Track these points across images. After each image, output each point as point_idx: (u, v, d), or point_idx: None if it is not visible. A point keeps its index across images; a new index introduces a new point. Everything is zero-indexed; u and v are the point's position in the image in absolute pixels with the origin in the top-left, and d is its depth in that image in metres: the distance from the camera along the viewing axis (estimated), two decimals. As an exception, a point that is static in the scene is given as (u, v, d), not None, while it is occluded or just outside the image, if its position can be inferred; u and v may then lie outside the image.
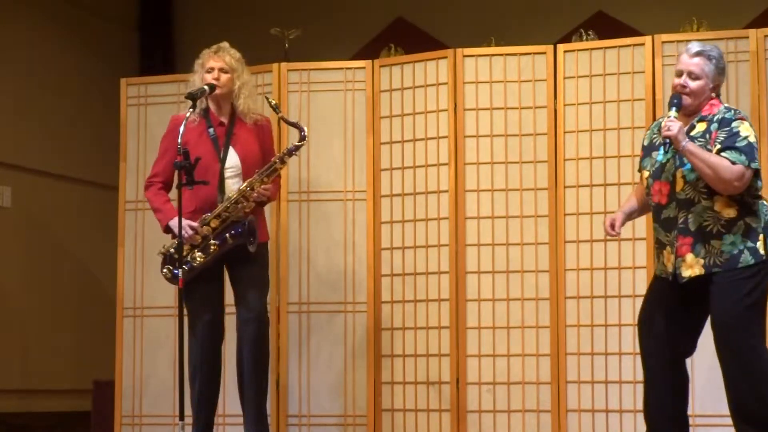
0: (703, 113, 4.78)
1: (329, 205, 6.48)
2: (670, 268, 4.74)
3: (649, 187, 4.80)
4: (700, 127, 4.75)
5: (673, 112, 4.69)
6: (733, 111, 4.78)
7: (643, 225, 5.89)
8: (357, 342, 6.38)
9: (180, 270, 5.24)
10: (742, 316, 4.69)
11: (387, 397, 6.32)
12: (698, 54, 4.75)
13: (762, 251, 4.71)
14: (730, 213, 4.72)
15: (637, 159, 4.98)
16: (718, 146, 4.67)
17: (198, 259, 5.45)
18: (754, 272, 4.72)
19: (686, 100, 4.74)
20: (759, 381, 4.69)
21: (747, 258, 4.68)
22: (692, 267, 4.68)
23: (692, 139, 4.69)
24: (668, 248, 4.74)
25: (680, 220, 4.70)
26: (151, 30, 9.70)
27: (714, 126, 4.73)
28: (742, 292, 4.69)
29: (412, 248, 6.35)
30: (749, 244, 4.70)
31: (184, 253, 5.39)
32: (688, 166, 4.68)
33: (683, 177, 4.70)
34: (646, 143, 4.92)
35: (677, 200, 4.71)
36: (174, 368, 6.24)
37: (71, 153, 8.92)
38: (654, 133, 4.89)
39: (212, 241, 5.46)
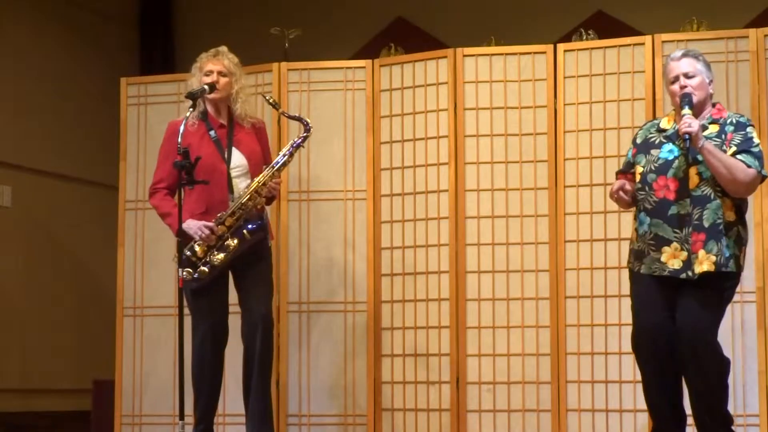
0: (714, 116, 4.83)
1: (329, 204, 6.48)
2: (675, 265, 4.72)
3: (647, 183, 4.81)
4: (713, 128, 4.79)
5: (687, 110, 4.72)
6: (744, 117, 4.86)
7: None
8: (357, 341, 6.38)
9: (198, 272, 5.30)
10: (715, 325, 4.73)
11: (387, 396, 6.32)
12: (684, 56, 4.86)
13: (741, 262, 4.76)
14: (730, 216, 4.74)
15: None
16: (734, 148, 4.72)
17: (218, 258, 5.44)
18: (734, 282, 4.77)
19: (693, 98, 4.78)
20: (719, 392, 4.73)
21: (732, 265, 4.71)
22: (702, 263, 4.69)
23: (706, 138, 4.73)
24: (675, 244, 4.73)
25: (695, 217, 4.70)
26: (151, 29, 9.71)
27: (729, 128, 4.78)
28: (722, 299, 4.74)
29: (412, 248, 6.35)
30: (736, 252, 4.72)
31: (202, 255, 5.41)
32: (704, 163, 4.71)
33: (698, 174, 4.72)
34: (639, 141, 4.95)
35: (692, 197, 4.71)
36: (174, 368, 6.25)
37: (71, 153, 8.92)
38: (650, 132, 4.92)
39: (230, 240, 5.45)
